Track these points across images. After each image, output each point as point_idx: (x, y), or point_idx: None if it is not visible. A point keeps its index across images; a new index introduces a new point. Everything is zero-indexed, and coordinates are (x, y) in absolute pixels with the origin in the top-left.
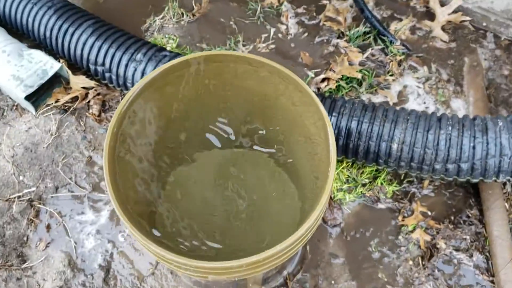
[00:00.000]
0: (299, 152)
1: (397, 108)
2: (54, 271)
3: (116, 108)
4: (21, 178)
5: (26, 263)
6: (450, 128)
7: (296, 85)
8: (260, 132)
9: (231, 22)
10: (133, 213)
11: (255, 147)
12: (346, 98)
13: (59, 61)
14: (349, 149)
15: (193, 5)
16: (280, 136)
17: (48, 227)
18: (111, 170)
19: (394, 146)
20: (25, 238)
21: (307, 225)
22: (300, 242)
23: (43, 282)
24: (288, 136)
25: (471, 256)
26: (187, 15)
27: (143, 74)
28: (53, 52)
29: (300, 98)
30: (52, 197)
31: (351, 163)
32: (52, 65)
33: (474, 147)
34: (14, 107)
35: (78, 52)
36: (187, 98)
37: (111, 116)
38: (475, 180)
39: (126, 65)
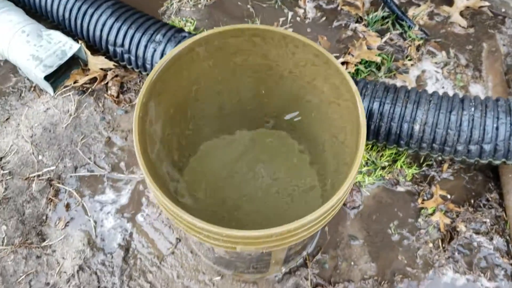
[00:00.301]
0: (324, 130)
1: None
2: (73, 250)
3: (135, 90)
4: (40, 157)
5: (46, 242)
6: (473, 109)
7: (327, 61)
8: (288, 113)
9: (249, 6)
10: (161, 181)
11: (279, 128)
12: (367, 80)
13: (77, 42)
14: (370, 131)
15: None
16: (307, 114)
17: (67, 206)
18: (141, 139)
19: (416, 127)
20: (44, 217)
21: (339, 195)
22: (330, 213)
23: (62, 261)
24: (314, 111)
25: (491, 239)
26: None
27: (162, 54)
28: (71, 33)
29: (326, 71)
30: (71, 176)
31: (370, 146)
32: (71, 46)
33: (497, 128)
34: (32, 88)
35: (97, 33)
36: (215, 73)
37: (130, 98)
38: (497, 162)
39: (146, 46)
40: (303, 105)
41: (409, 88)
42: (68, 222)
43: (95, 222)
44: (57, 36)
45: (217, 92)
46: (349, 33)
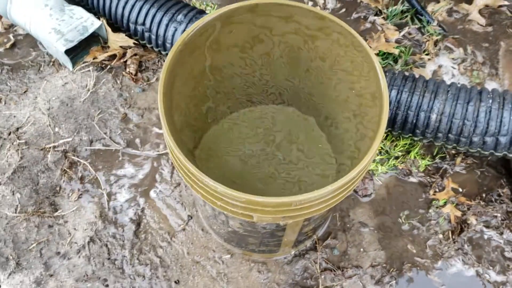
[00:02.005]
0: (344, 111)
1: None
2: (85, 221)
3: (153, 69)
4: (56, 129)
5: (58, 212)
6: (490, 101)
7: (354, 41)
8: (308, 93)
9: None
10: (182, 148)
11: (297, 106)
12: (386, 68)
13: (99, 19)
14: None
15: None
16: (328, 93)
17: (81, 178)
18: (166, 103)
19: (433, 117)
20: (58, 188)
21: (359, 168)
22: (349, 187)
23: (74, 231)
24: (335, 90)
25: (501, 233)
26: None
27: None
28: (93, 10)
29: (354, 55)
30: (86, 149)
31: (385, 135)
32: (92, 22)
33: None
34: (51, 63)
35: (119, 10)
36: (238, 48)
37: (147, 77)
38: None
39: (167, 25)
40: (323, 82)
41: (428, 78)
42: (81, 194)
43: (108, 195)
44: (79, 11)
45: (237, 68)
46: (368, 25)
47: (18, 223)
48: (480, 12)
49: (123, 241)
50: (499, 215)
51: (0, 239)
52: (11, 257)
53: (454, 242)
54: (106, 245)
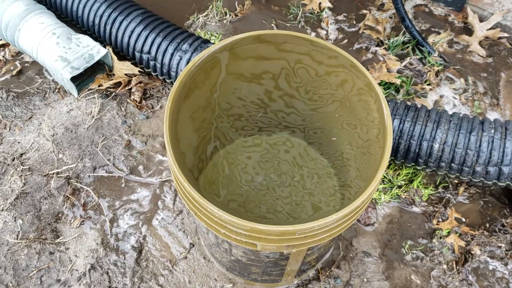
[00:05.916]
0: (347, 141)
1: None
2: (86, 249)
3: (157, 97)
4: (60, 156)
5: (60, 238)
6: (493, 131)
7: (358, 73)
8: (312, 122)
9: (273, 24)
10: (186, 176)
11: (303, 137)
12: (388, 98)
13: (105, 48)
14: None
15: (236, 6)
16: (332, 124)
17: (84, 205)
18: (171, 131)
19: (436, 146)
20: (60, 214)
21: (364, 197)
22: (353, 216)
23: (75, 258)
24: (337, 122)
25: (506, 264)
26: (230, 15)
27: (188, 63)
28: (99, 39)
29: (357, 84)
30: (89, 176)
31: (388, 164)
32: (98, 50)
33: None
34: (57, 90)
35: (125, 39)
36: (244, 77)
37: (152, 104)
38: None
39: (172, 54)
40: (327, 114)
41: (430, 107)
42: (83, 220)
43: (110, 222)
44: (86, 40)
45: (243, 97)
46: (370, 55)
47: (19, 250)
48: (480, 43)
49: (124, 269)
50: (503, 245)
51: (1, 266)
52: (10, 285)
53: (459, 273)
54: (107, 273)
